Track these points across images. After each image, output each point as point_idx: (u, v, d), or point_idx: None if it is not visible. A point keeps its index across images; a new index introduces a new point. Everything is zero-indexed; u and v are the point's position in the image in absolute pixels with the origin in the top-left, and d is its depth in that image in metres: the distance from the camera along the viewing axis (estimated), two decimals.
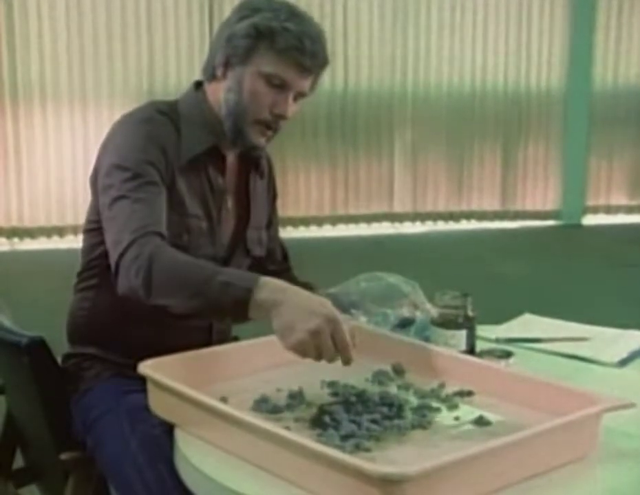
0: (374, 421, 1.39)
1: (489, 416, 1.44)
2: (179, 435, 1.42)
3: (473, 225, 8.17)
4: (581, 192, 8.34)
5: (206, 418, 1.37)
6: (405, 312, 1.86)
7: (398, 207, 8.04)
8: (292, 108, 1.77)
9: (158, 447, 1.54)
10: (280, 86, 1.73)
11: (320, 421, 1.40)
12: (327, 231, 7.82)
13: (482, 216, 8.22)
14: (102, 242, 1.70)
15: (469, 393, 1.54)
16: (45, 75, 7.00)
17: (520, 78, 8.13)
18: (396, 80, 7.88)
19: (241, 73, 1.74)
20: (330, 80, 7.42)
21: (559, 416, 1.32)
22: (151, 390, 1.49)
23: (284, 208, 6.75)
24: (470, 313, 1.77)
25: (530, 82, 8.16)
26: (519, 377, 1.54)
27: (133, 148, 1.70)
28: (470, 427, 1.42)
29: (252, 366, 1.62)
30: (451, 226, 8.13)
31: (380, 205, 7.98)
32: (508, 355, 1.76)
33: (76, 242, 6.44)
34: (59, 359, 1.82)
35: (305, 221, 7.76)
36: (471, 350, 1.75)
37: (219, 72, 1.77)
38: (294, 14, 1.74)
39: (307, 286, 1.86)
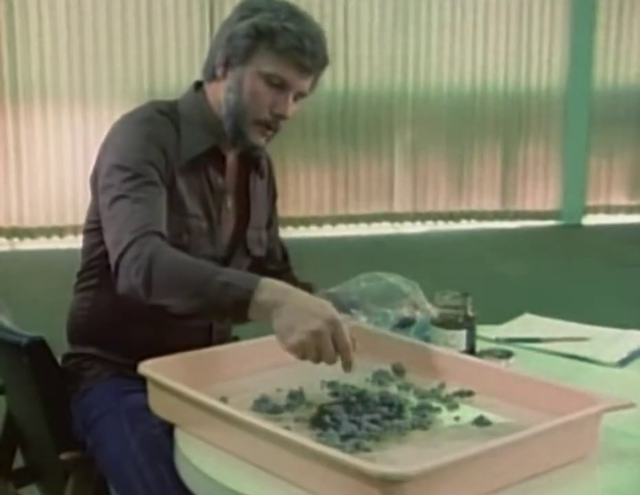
0: (374, 421, 1.39)
1: (489, 416, 1.44)
2: (179, 435, 1.42)
3: (473, 225, 8.17)
4: (581, 192, 8.34)
5: (206, 418, 1.37)
6: (405, 312, 1.86)
7: (398, 207, 8.04)
8: (292, 108, 1.77)
9: (158, 447, 1.54)
10: (280, 86, 1.73)
11: (320, 421, 1.40)
12: (327, 231, 7.82)
13: (482, 216, 8.22)
14: (102, 242, 1.70)
15: (469, 393, 1.54)
16: (45, 75, 7.00)
17: (520, 78, 8.13)
18: (396, 80, 7.88)
19: (241, 73, 1.74)
20: (330, 80, 7.41)
21: (559, 416, 1.32)
22: (151, 390, 1.49)
23: (284, 208, 6.75)
24: (470, 313, 1.77)
25: (530, 82, 8.16)
26: (519, 377, 1.54)
27: (133, 148, 1.70)
28: (470, 427, 1.42)
29: (252, 366, 1.62)
30: (451, 226, 8.12)
31: (380, 205, 7.98)
32: (508, 355, 1.76)
33: (76, 242, 6.44)
34: (59, 359, 1.82)
35: (305, 221, 7.76)
36: (471, 350, 1.75)
37: (219, 72, 1.77)
38: (294, 14, 1.74)
39: (307, 286, 1.87)
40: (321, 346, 1.41)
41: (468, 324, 1.76)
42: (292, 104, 1.77)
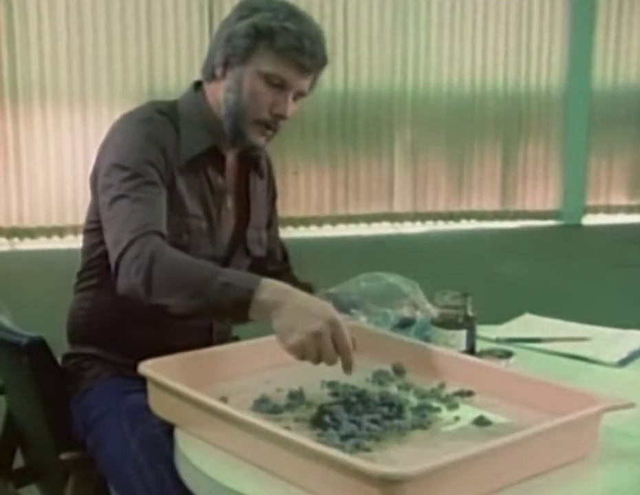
0: (374, 421, 1.39)
1: (489, 416, 1.44)
2: (179, 435, 1.42)
3: (473, 225, 8.17)
4: (581, 192, 8.35)
5: (206, 418, 1.37)
6: (405, 312, 1.86)
7: (398, 207, 8.04)
8: (291, 108, 1.77)
9: (158, 447, 1.54)
10: (279, 85, 1.73)
11: (320, 421, 1.40)
12: (327, 231, 7.82)
13: (482, 216, 8.22)
14: (102, 242, 1.70)
15: (469, 393, 1.54)
16: (45, 76, 7.00)
17: (520, 78, 8.13)
18: (396, 80, 7.88)
19: (240, 73, 1.74)
20: (330, 80, 7.42)
21: (559, 416, 1.32)
22: (151, 390, 1.49)
23: (284, 208, 6.74)
24: (470, 313, 1.77)
25: (530, 82, 8.16)
26: (519, 377, 1.54)
27: (133, 148, 1.70)
28: (470, 427, 1.42)
29: (252, 366, 1.62)
30: (451, 226, 8.13)
31: (380, 205, 7.99)
32: (508, 355, 1.76)
33: (76, 242, 6.44)
34: (59, 359, 1.82)
35: (305, 221, 7.76)
36: (471, 350, 1.75)
37: (218, 72, 1.77)
38: (294, 14, 1.74)
39: (307, 286, 1.87)
40: (321, 347, 1.41)
41: (468, 324, 1.76)
42: (292, 104, 1.77)
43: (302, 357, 1.43)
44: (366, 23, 7.71)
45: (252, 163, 1.91)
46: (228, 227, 1.86)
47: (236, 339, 1.92)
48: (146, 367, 1.48)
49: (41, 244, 7.08)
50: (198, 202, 1.78)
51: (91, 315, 1.83)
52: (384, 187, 7.99)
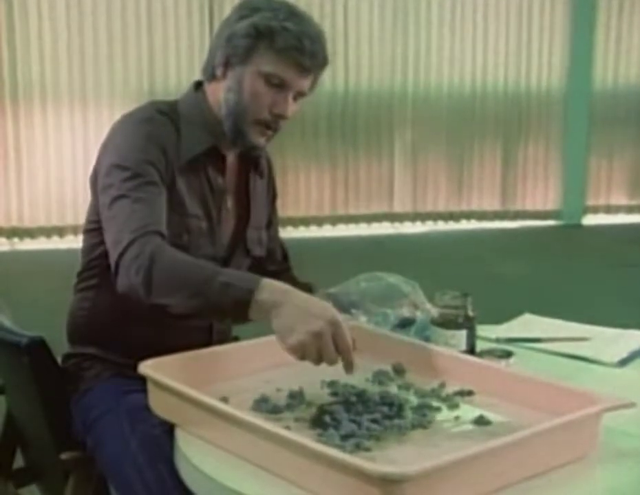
0: (374, 421, 1.39)
1: (489, 416, 1.44)
2: (179, 435, 1.42)
3: (473, 225, 8.17)
4: (581, 192, 8.34)
5: (207, 418, 1.37)
6: (405, 312, 1.86)
7: (398, 207, 8.04)
8: (291, 108, 1.77)
9: (158, 447, 1.54)
10: (279, 85, 1.73)
11: (320, 421, 1.40)
12: (327, 231, 7.82)
13: (482, 216, 8.22)
14: (102, 242, 1.70)
15: (469, 393, 1.54)
16: (45, 75, 7.00)
17: (520, 78, 8.13)
18: (396, 80, 7.88)
19: (240, 72, 1.74)
20: (330, 80, 7.42)
21: (559, 416, 1.32)
22: (151, 390, 1.49)
23: (284, 208, 6.74)
24: (470, 313, 1.77)
25: (530, 82, 8.16)
26: (519, 377, 1.54)
27: (133, 148, 1.70)
28: (470, 427, 1.42)
29: (252, 366, 1.62)
30: (451, 226, 8.12)
31: (380, 205, 7.98)
32: (508, 355, 1.76)
33: (76, 242, 6.44)
34: (59, 359, 1.82)
35: (305, 221, 7.76)
36: (471, 350, 1.75)
37: (218, 72, 1.77)
38: (294, 14, 1.74)
39: (307, 286, 1.87)
40: (321, 347, 1.41)
41: (469, 324, 1.76)
42: (292, 103, 1.77)
43: (302, 357, 1.43)
44: (366, 22, 7.71)
45: (253, 163, 1.91)
46: (228, 227, 1.86)
47: (236, 339, 1.92)
48: (146, 367, 1.48)
49: (41, 244, 7.08)
50: (198, 202, 1.78)
51: (91, 315, 1.83)
52: (384, 187, 7.99)
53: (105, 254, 1.67)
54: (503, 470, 1.23)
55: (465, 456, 1.19)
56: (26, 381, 1.76)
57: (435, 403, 1.50)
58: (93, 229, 1.78)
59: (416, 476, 1.13)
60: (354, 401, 1.47)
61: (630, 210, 8.50)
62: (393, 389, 1.58)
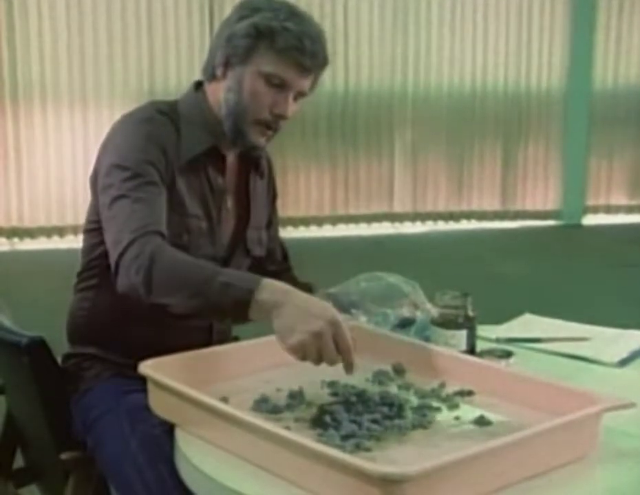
0: (374, 421, 1.39)
1: (489, 416, 1.44)
2: (179, 435, 1.42)
3: (473, 225, 8.17)
4: (581, 192, 8.35)
5: (207, 418, 1.37)
6: (405, 312, 1.86)
7: (398, 207, 8.04)
8: (292, 108, 1.77)
9: (158, 447, 1.54)
10: (280, 85, 1.73)
11: (320, 421, 1.40)
12: (327, 231, 7.82)
13: (482, 216, 8.22)
14: (102, 242, 1.70)
15: (470, 393, 1.54)
16: (45, 75, 7.00)
17: (520, 78, 8.13)
18: (396, 80, 7.88)
19: (241, 73, 1.74)
20: (331, 80, 7.42)
21: (559, 416, 1.32)
22: (151, 390, 1.49)
23: (284, 208, 6.74)
24: (470, 313, 1.77)
25: (530, 82, 8.16)
26: (519, 377, 1.54)
27: (133, 148, 1.70)
28: (470, 427, 1.42)
29: (253, 366, 1.62)
30: (451, 226, 8.13)
31: (380, 205, 7.99)
32: (508, 355, 1.76)
33: (76, 242, 6.44)
34: (59, 359, 1.82)
35: (305, 221, 7.76)
36: (471, 350, 1.75)
37: (219, 72, 1.77)
38: (294, 14, 1.74)
39: (307, 286, 1.87)
40: (322, 347, 1.41)
41: (469, 324, 1.76)
42: (292, 104, 1.77)
43: (303, 357, 1.43)
44: (366, 22, 7.71)
45: (253, 163, 1.91)
46: (228, 227, 1.86)
47: (236, 339, 1.92)
48: (146, 367, 1.48)
49: (41, 244, 7.08)
50: (198, 202, 1.78)
51: (91, 315, 1.83)
52: (384, 187, 7.99)
53: (105, 254, 1.67)
54: (503, 470, 1.23)
55: (465, 456, 1.19)
56: (26, 381, 1.76)
57: (435, 404, 1.50)
58: (93, 229, 1.78)
59: (416, 476, 1.13)
60: (354, 401, 1.47)
61: (629, 210, 8.50)
62: (393, 389, 1.57)
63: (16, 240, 7.11)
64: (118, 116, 1.81)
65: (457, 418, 1.45)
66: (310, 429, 1.39)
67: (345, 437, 1.33)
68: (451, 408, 1.49)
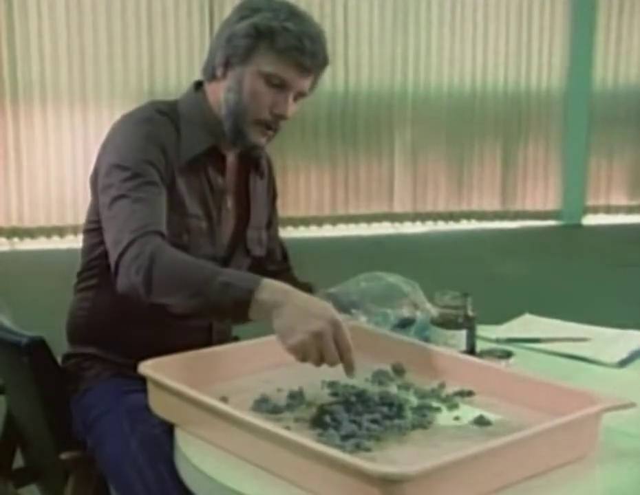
0: (374, 421, 1.39)
1: (489, 416, 1.44)
2: (179, 435, 1.42)
3: (473, 225, 8.17)
4: (581, 192, 8.35)
5: (206, 418, 1.37)
6: (405, 312, 1.86)
7: (398, 207, 8.05)
8: (292, 108, 1.77)
9: (158, 447, 1.54)
10: (280, 86, 1.73)
11: (320, 421, 1.40)
12: (327, 231, 7.82)
13: (482, 216, 8.22)
14: (102, 242, 1.70)
15: (469, 393, 1.54)
16: (45, 75, 7.00)
17: (520, 78, 8.14)
18: (396, 80, 7.88)
19: (241, 73, 1.74)
20: (330, 80, 7.42)
21: (559, 416, 1.32)
22: (151, 390, 1.49)
23: (284, 208, 6.75)
24: (470, 313, 1.77)
25: (530, 82, 8.17)
26: (519, 377, 1.54)
27: (133, 148, 1.70)
28: (470, 427, 1.42)
29: (253, 366, 1.62)
30: (451, 226, 8.13)
31: (380, 205, 7.99)
32: (508, 355, 1.76)
33: (76, 242, 6.44)
34: (59, 359, 1.82)
35: (305, 221, 7.76)
36: (471, 350, 1.75)
37: (219, 72, 1.77)
38: (294, 14, 1.74)
39: (307, 286, 1.87)
40: (322, 347, 1.41)
41: (468, 324, 1.76)
42: (292, 104, 1.77)
43: (303, 358, 1.43)
44: (366, 22, 7.71)
45: (253, 163, 1.91)
46: (228, 227, 1.86)
47: (236, 339, 1.92)
48: (146, 367, 1.48)
49: (41, 244, 7.08)
50: (198, 202, 1.78)
51: (91, 315, 1.83)
52: (384, 187, 7.99)
53: (105, 254, 1.67)
54: (503, 470, 1.23)
55: (465, 456, 1.19)
56: (26, 381, 1.76)
57: (435, 404, 1.50)
58: (93, 229, 1.78)
59: (416, 476, 1.13)
60: (354, 401, 1.47)
61: (629, 210, 8.51)
62: (393, 389, 1.57)
63: (16, 240, 7.11)
64: (118, 116, 1.81)
65: (457, 418, 1.45)
66: (310, 429, 1.39)
67: (345, 437, 1.33)
68: (451, 408, 1.49)
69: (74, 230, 6.90)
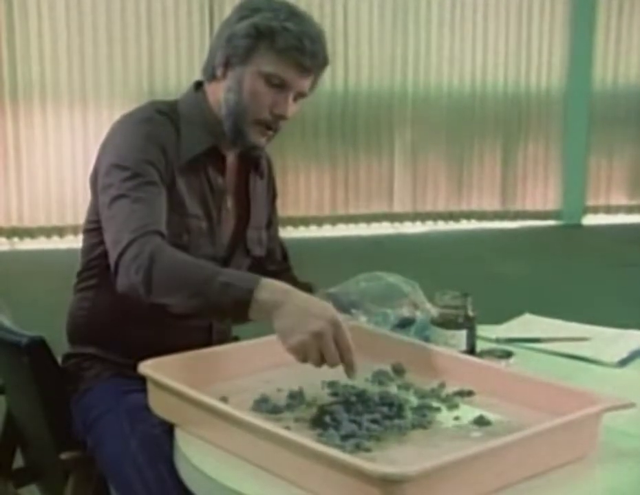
0: (374, 421, 1.39)
1: (489, 416, 1.44)
2: (179, 435, 1.42)
3: (473, 225, 8.17)
4: (581, 192, 8.35)
5: (206, 418, 1.37)
6: (405, 312, 1.86)
7: (398, 207, 8.05)
8: (292, 108, 1.77)
9: (158, 447, 1.54)
10: (280, 86, 1.73)
11: (320, 421, 1.40)
12: (327, 231, 7.83)
13: (482, 216, 8.22)
14: (102, 242, 1.70)
15: (469, 393, 1.54)
16: (45, 75, 7.00)
17: (520, 78, 8.14)
18: (396, 80, 7.89)
19: (241, 73, 1.74)
20: (330, 80, 7.42)
21: (559, 416, 1.32)
22: (151, 390, 1.49)
23: (284, 208, 6.75)
24: (470, 313, 1.77)
25: (530, 82, 8.17)
26: (519, 377, 1.54)
27: (133, 148, 1.70)
28: (470, 427, 1.42)
29: (252, 366, 1.62)
30: (451, 226, 8.13)
31: (380, 205, 7.99)
32: (508, 355, 1.76)
33: (76, 242, 6.44)
34: (59, 359, 1.82)
35: (305, 221, 7.76)
36: (471, 350, 1.75)
37: (219, 72, 1.77)
38: (294, 14, 1.74)
39: (307, 286, 1.87)
40: (322, 347, 1.41)
41: (469, 324, 1.76)
42: (292, 104, 1.77)
43: (304, 359, 1.43)
44: (366, 22, 7.71)
45: (253, 163, 1.91)
46: (228, 227, 1.86)
47: (236, 339, 1.92)
48: (146, 367, 1.48)
49: (41, 244, 7.08)
50: (198, 202, 1.78)
51: (91, 315, 1.83)
52: (384, 187, 8.00)
53: (105, 254, 1.67)
54: (503, 470, 1.23)
55: (465, 456, 1.19)
56: (26, 381, 1.76)
57: (435, 404, 1.50)
58: (93, 229, 1.78)
59: (416, 476, 1.13)
60: (354, 401, 1.47)
61: (629, 210, 8.51)
62: (393, 389, 1.57)
63: (16, 240, 7.11)
64: (117, 116, 1.81)
65: (457, 418, 1.45)
66: (310, 429, 1.39)
67: (345, 437, 1.33)
68: (451, 408, 1.49)
69: (74, 230, 6.90)
